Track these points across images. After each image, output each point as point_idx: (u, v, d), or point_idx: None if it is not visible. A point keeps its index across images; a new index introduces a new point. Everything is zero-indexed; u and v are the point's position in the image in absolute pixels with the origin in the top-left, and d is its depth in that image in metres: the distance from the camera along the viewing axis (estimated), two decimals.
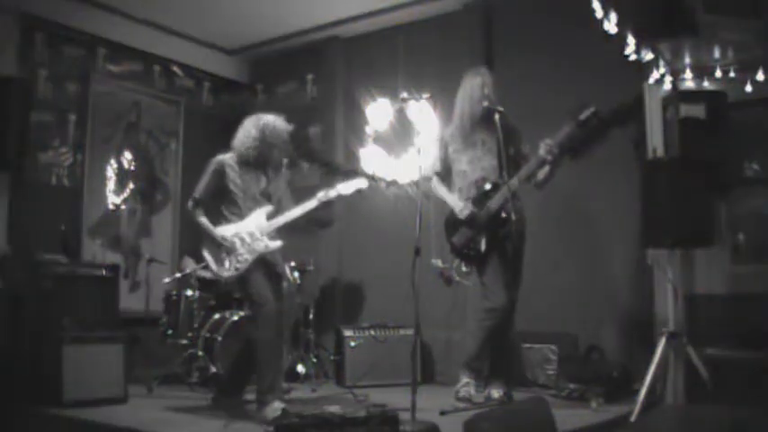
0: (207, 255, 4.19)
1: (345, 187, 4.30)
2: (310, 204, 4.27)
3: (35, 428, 4.14)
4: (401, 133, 5.76)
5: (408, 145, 5.72)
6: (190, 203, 4.29)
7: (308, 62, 6.87)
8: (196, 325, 5.34)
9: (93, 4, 5.99)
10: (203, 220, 4.23)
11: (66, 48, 5.97)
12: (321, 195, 4.28)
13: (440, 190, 4.59)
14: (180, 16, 6.37)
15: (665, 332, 4.13)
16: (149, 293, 5.42)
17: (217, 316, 5.30)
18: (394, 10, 6.16)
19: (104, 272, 4.96)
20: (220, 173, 4.27)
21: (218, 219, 4.24)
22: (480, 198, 4.41)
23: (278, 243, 4.22)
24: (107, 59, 6.29)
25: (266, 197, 4.31)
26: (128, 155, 6.41)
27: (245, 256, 4.11)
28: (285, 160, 4.46)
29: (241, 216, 4.21)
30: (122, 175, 6.36)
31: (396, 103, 5.69)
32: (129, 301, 5.85)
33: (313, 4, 6.13)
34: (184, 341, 5.30)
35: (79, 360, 4.28)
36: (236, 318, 5.13)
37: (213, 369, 4.97)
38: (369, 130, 6.04)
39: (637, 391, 4.06)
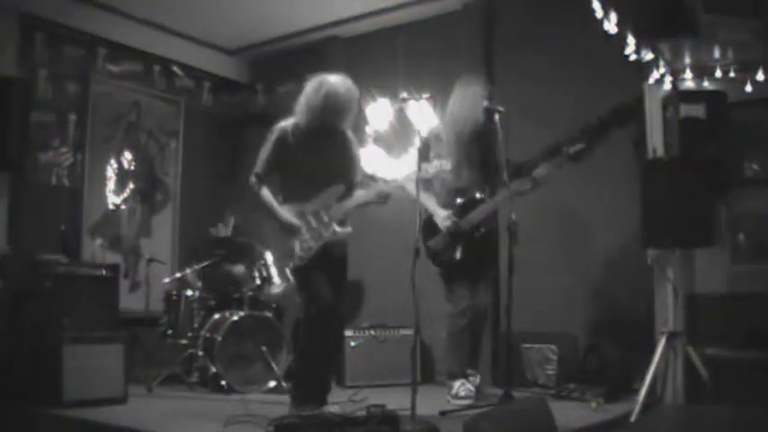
0: (272, 246, 3.76)
1: (429, 168, 3.90)
2: (388, 185, 3.84)
3: (35, 428, 4.13)
4: (401, 133, 5.75)
5: (408, 145, 5.71)
6: (252, 180, 3.74)
7: (307, 62, 6.85)
8: (196, 325, 5.34)
9: (93, 4, 5.99)
10: (269, 198, 3.70)
11: (66, 48, 5.97)
12: (405, 177, 3.89)
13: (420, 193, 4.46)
14: (180, 16, 6.37)
15: (665, 332, 4.13)
16: (149, 293, 5.42)
17: (217, 316, 5.30)
18: (394, 10, 6.16)
19: (104, 272, 4.94)
20: (283, 143, 3.73)
21: (276, 198, 3.77)
22: (461, 208, 4.44)
23: (348, 230, 3.79)
24: (107, 59, 6.29)
25: (336, 174, 3.79)
26: (128, 155, 6.42)
27: (310, 244, 3.63)
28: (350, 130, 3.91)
29: (306, 195, 3.73)
30: (122, 175, 6.37)
31: (396, 103, 5.69)
32: (129, 301, 5.85)
33: (313, 4, 6.13)
34: (184, 341, 5.30)
35: (79, 360, 4.27)
36: (236, 318, 5.13)
37: (213, 369, 4.97)
38: (369, 130, 6.04)
39: (637, 391, 4.06)
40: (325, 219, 3.70)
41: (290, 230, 3.68)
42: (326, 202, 3.72)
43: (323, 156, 3.76)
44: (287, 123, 3.80)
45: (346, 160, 3.88)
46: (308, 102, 3.72)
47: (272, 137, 3.78)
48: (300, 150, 3.73)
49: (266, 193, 3.73)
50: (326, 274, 3.71)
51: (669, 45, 4.35)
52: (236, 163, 6.58)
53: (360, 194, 3.83)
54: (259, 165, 3.77)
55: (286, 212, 3.70)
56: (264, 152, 3.77)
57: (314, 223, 3.67)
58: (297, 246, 3.67)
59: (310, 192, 3.73)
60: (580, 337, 5.09)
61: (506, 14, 5.79)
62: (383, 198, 3.80)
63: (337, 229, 3.72)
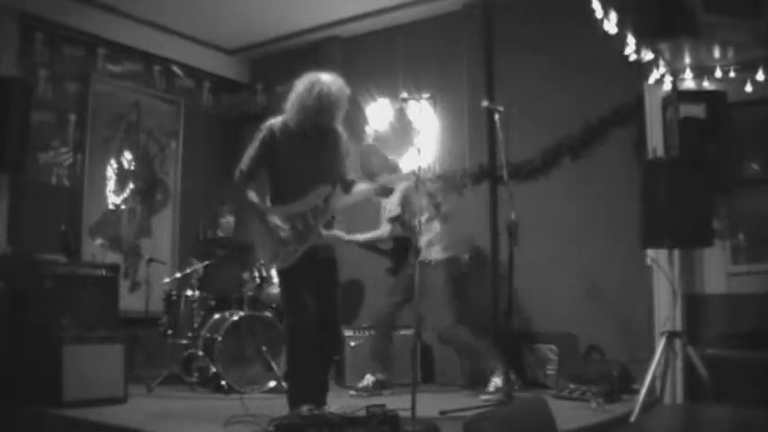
0: (258, 248, 3.69)
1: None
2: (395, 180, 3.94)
3: (35, 428, 4.13)
4: (401, 133, 5.76)
5: (408, 145, 5.72)
6: (236, 177, 3.66)
7: (307, 62, 6.84)
8: (196, 325, 5.33)
9: (93, 4, 6.00)
10: (255, 199, 3.62)
11: (66, 48, 5.98)
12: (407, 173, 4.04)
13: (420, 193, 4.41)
14: (180, 16, 6.38)
15: (665, 332, 4.13)
16: (149, 293, 5.42)
17: (217, 316, 5.30)
18: (394, 10, 6.17)
19: (104, 272, 4.94)
20: (271, 142, 3.62)
21: (262, 199, 3.69)
22: None
23: (334, 233, 3.77)
24: (107, 59, 6.30)
25: (325, 174, 3.69)
26: (128, 155, 6.42)
27: (295, 246, 3.55)
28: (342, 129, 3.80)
29: (293, 196, 3.62)
30: (122, 175, 6.37)
31: (396, 103, 5.69)
32: (129, 301, 5.85)
33: (313, 4, 6.13)
34: (184, 341, 5.29)
35: (79, 360, 4.27)
36: (236, 318, 5.13)
37: (213, 369, 4.96)
38: (369, 130, 6.04)
39: (637, 391, 4.06)
40: (312, 222, 3.60)
41: (275, 234, 3.59)
42: (314, 204, 3.63)
43: (312, 156, 3.67)
44: (275, 122, 3.70)
45: (336, 160, 3.77)
46: (300, 101, 3.60)
47: (259, 135, 3.69)
48: (289, 150, 3.64)
49: (252, 194, 3.64)
50: (312, 277, 3.62)
51: (669, 45, 4.35)
52: (236, 163, 6.57)
53: (362, 188, 3.77)
54: (245, 162, 3.66)
55: (272, 215, 3.61)
56: (252, 150, 3.67)
57: (300, 226, 3.59)
58: (282, 249, 3.59)
59: (298, 193, 3.63)
60: (580, 337, 5.09)
61: (506, 14, 5.79)
62: (386, 191, 3.78)
63: (323, 232, 3.64)
